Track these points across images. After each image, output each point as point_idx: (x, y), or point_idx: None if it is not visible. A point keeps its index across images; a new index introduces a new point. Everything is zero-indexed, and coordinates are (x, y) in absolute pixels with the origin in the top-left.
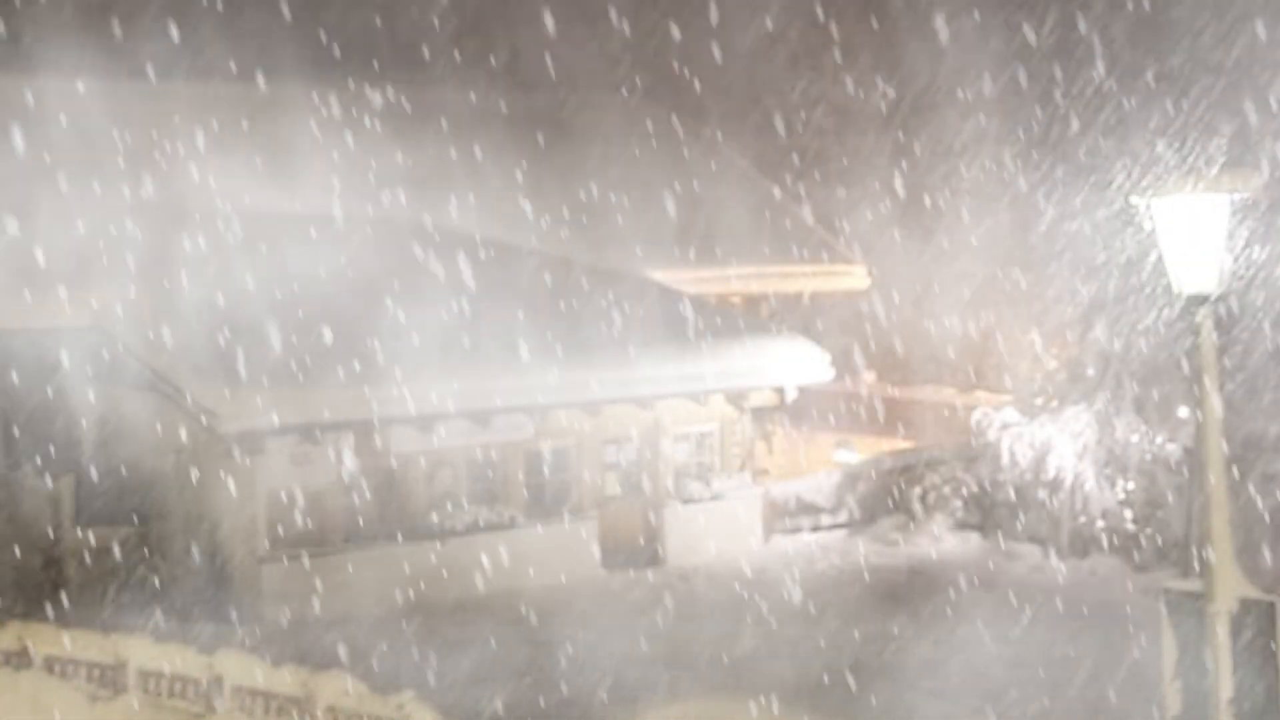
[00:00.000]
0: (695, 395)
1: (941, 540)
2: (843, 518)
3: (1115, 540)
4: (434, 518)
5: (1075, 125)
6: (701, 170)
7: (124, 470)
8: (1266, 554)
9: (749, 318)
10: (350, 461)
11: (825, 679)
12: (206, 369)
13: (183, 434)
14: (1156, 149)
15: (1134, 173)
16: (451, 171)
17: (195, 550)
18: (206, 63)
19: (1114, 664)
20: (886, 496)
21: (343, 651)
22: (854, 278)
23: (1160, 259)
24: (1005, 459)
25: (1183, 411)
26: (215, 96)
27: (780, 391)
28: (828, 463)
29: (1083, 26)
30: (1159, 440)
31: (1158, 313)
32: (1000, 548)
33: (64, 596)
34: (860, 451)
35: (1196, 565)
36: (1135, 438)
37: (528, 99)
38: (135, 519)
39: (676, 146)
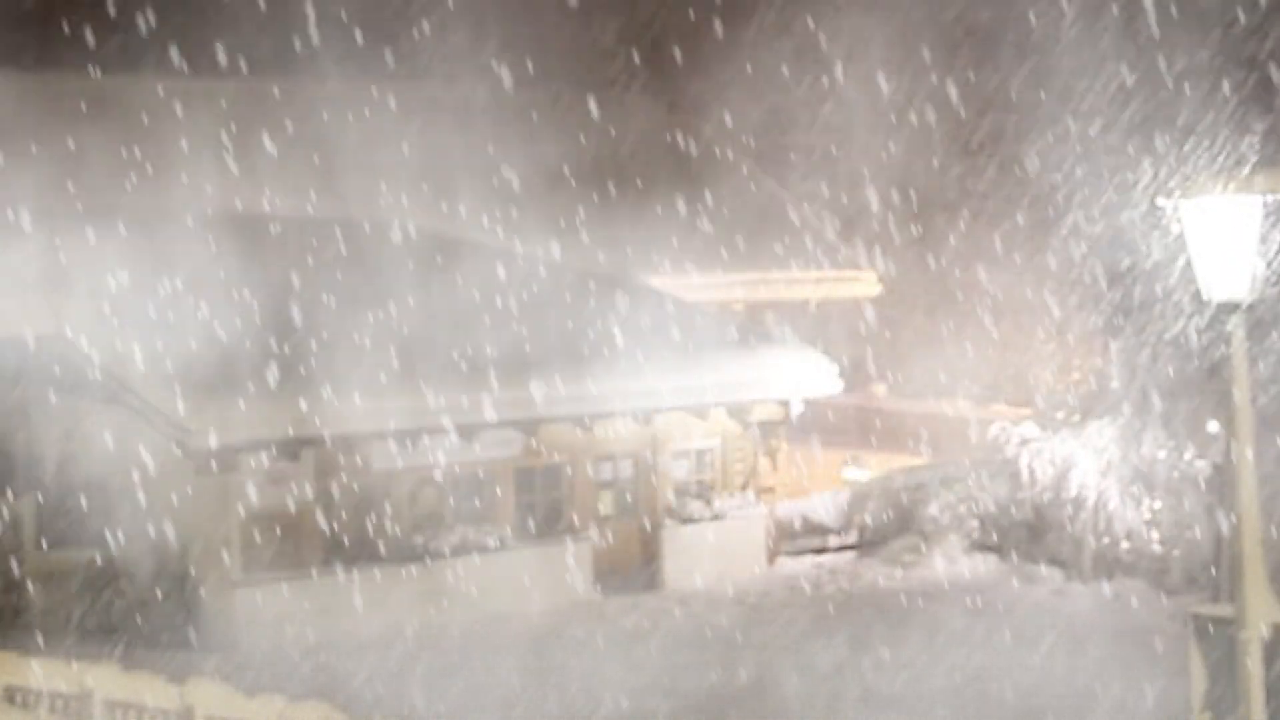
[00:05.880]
0: (695, 409)
1: (956, 562)
2: (852, 539)
3: (1141, 563)
4: (418, 539)
5: (1099, 122)
6: (702, 170)
7: (89, 489)
8: None
9: (752, 327)
10: (329, 480)
11: (833, 709)
12: (176, 381)
13: (151, 451)
14: (1185, 147)
15: (1161, 173)
16: (440, 172)
17: (165, 573)
18: (180, 59)
19: (1140, 694)
20: (898, 516)
21: (322, 680)
22: (864, 284)
23: (1189, 264)
24: (1024, 476)
25: (1213, 426)
26: (188, 94)
27: (785, 405)
28: (836, 480)
29: (1106, 17)
30: (1187, 457)
31: (1186, 321)
32: (1019, 570)
33: (26, 622)
34: (870, 468)
35: (1227, 589)
36: (1162, 454)
37: (521, 96)
38: (101, 541)
39: (676, 145)
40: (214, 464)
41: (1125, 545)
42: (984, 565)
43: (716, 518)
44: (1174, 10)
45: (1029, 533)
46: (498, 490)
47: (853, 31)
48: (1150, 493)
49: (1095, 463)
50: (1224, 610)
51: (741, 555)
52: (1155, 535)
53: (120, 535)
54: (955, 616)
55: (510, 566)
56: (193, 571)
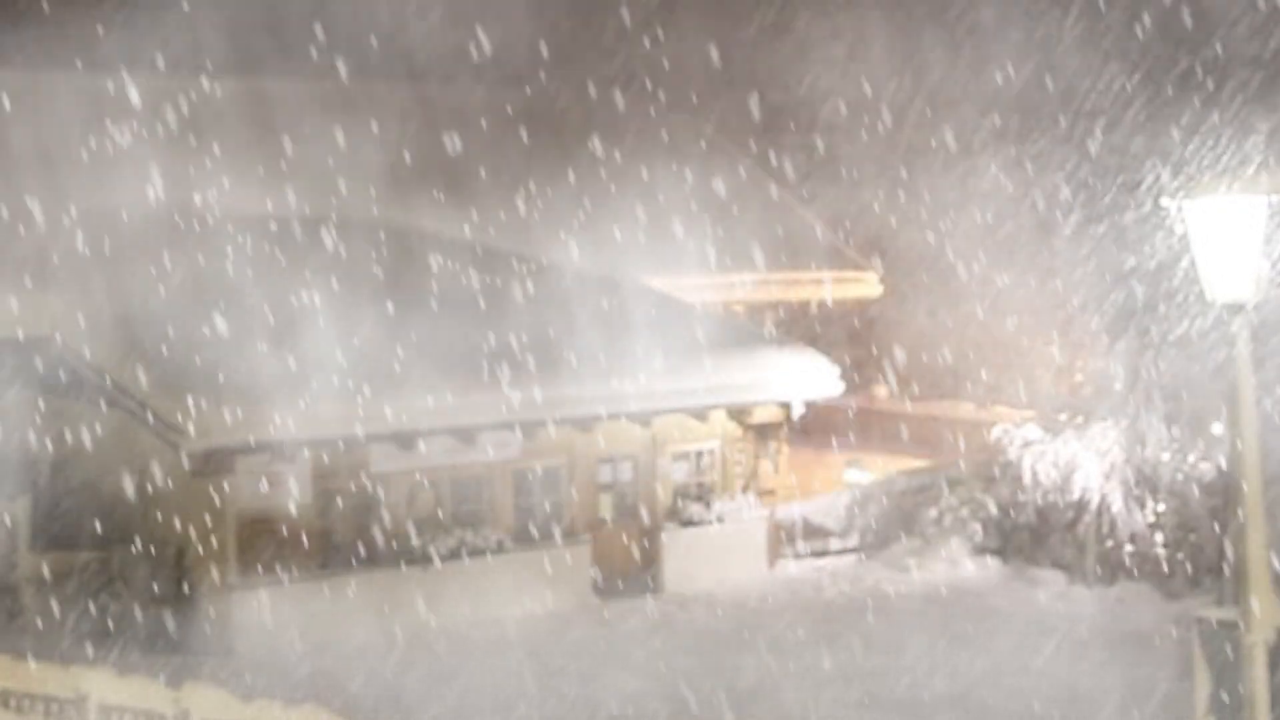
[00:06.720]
0: (695, 411)
1: (959, 566)
2: (853, 542)
3: (1145, 566)
4: (416, 542)
5: (1102, 122)
6: (702, 170)
7: (84, 491)
8: None
9: (753, 328)
10: (326, 483)
11: (835, 714)
12: (172, 383)
13: (147, 452)
14: (1189, 147)
15: (1165, 173)
16: (437, 172)
17: (160, 577)
18: (174, 57)
19: (1144, 698)
20: (900, 519)
21: (319, 684)
22: (865, 285)
23: (1193, 265)
24: (1027, 479)
25: (1217, 428)
26: (183, 92)
27: (786, 407)
28: (837, 483)
29: (1110, 16)
30: (1191, 459)
31: (1190, 322)
32: (1021, 574)
33: (20, 626)
34: (872, 471)
35: (1232, 593)
36: (1166, 456)
37: (519, 95)
38: (96, 543)
39: (675, 145)
40: (210, 466)
41: (1129, 548)
42: (986, 569)
43: (717, 520)
44: (1178, 9)
45: (1032, 536)
46: (496, 493)
47: (852, 28)
48: (1154, 495)
49: (1098, 465)
50: (1229, 614)
51: (742, 558)
52: (1159, 538)
53: (116, 538)
54: (958, 620)
55: (508, 570)
56: (189, 574)
